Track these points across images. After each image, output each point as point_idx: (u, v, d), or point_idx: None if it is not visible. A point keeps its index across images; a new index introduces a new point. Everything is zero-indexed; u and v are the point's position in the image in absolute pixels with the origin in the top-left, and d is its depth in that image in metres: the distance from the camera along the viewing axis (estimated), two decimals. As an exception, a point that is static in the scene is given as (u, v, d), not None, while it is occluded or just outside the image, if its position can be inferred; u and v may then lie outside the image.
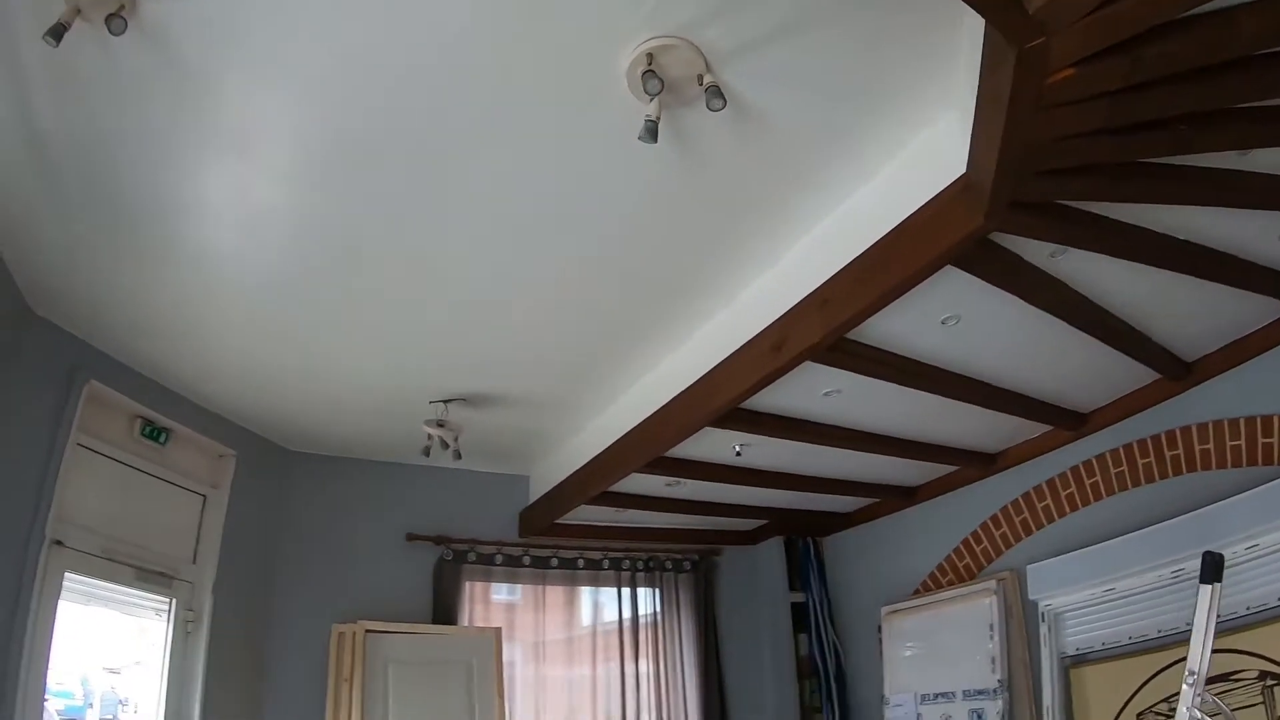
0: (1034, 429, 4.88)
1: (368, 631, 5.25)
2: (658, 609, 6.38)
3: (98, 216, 3.29)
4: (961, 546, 5.42)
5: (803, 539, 6.61)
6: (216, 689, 4.55)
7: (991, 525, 5.24)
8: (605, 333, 4.41)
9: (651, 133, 2.62)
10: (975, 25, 2.46)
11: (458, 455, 5.17)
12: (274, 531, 5.42)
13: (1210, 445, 4.15)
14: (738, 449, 4.83)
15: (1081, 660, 4.43)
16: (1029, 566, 4.78)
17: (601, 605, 6.33)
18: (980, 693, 4.81)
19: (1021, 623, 4.84)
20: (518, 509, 6.33)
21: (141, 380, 4.48)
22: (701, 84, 2.62)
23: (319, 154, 2.99)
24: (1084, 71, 2.20)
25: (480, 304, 4.03)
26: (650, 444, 4.74)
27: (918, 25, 2.59)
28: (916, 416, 4.58)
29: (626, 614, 6.23)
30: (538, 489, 6.21)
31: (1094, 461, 4.71)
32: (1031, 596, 4.74)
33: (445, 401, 4.99)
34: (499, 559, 6.00)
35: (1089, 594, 4.43)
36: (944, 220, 2.93)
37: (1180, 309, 3.72)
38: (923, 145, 3.07)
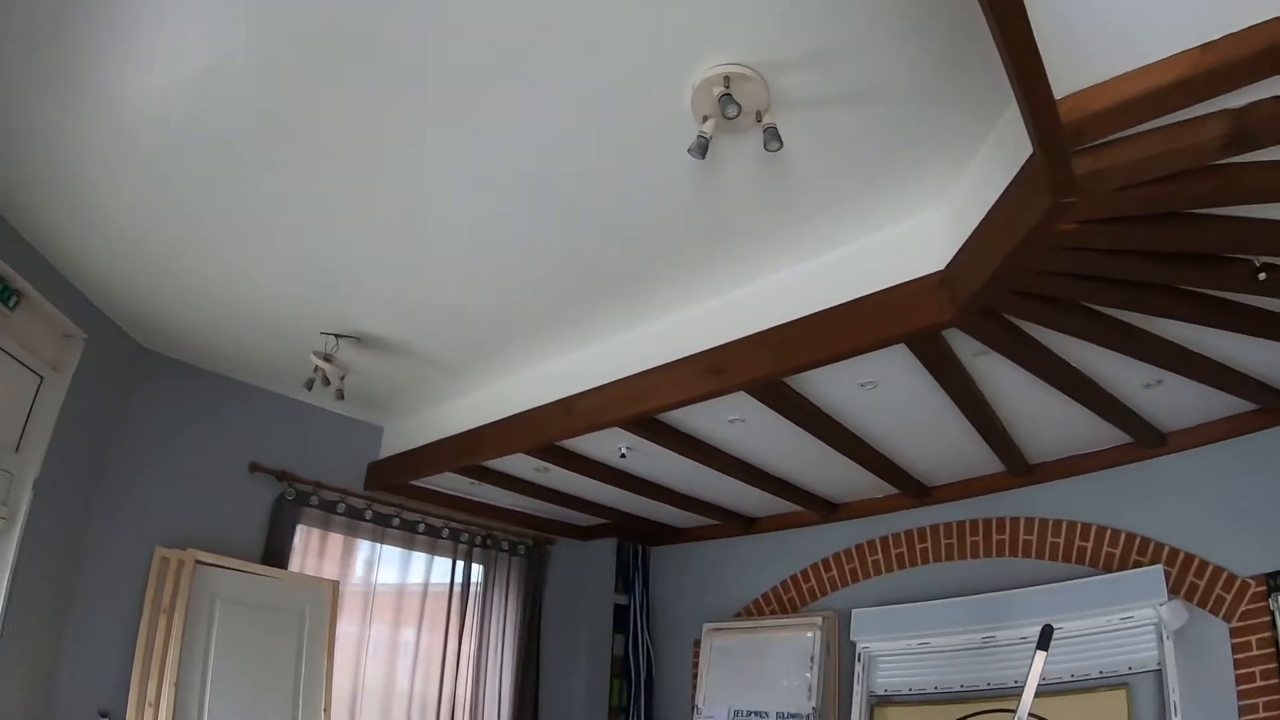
0: (884, 489, 5.51)
1: (198, 562, 4.84)
2: (488, 588, 6.51)
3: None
4: (790, 581, 6.00)
5: (634, 543, 7.03)
6: (19, 601, 3.99)
7: (822, 567, 5.86)
8: (530, 311, 4.41)
9: (703, 150, 2.80)
10: (992, 148, 3.06)
11: (340, 395, 5.00)
12: (111, 433, 4.85)
13: (1034, 537, 4.91)
14: (624, 452, 5.11)
15: (888, 701, 5.09)
16: (854, 611, 5.41)
17: (434, 573, 6.31)
18: (793, 716, 5.38)
19: (838, 659, 5.48)
20: (366, 459, 6.13)
21: (3, 226, 3.86)
22: (759, 120, 2.87)
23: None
24: (1086, 229, 2.77)
25: (416, 240, 3.80)
26: (546, 430, 4.89)
27: (950, 128, 3.05)
28: (793, 457, 5.10)
29: (458, 587, 6.31)
30: (392, 444, 6.11)
31: (928, 529, 5.40)
32: (852, 637, 5.38)
33: (338, 336, 4.71)
34: (341, 508, 5.78)
35: (904, 645, 5.09)
36: (915, 305, 3.43)
37: (1048, 419, 4.43)
38: (910, 229, 3.54)
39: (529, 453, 5.12)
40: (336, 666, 5.40)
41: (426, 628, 6.07)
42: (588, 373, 4.72)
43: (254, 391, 5.64)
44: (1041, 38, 2.10)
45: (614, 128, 3.04)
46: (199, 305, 4.56)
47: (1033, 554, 4.93)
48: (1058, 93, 2.29)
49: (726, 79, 2.74)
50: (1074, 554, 4.77)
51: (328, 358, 4.78)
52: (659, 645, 6.70)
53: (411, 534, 6.14)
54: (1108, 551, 4.70)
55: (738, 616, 6.22)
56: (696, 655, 6.25)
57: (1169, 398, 4.19)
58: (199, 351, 5.21)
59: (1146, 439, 4.58)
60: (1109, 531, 4.73)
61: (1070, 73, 2.26)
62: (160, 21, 2.67)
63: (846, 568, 5.76)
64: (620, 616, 6.83)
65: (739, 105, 2.74)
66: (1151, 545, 4.57)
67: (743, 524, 6.43)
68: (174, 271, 4.22)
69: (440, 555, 6.33)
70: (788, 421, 4.44)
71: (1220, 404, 4.28)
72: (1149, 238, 2.83)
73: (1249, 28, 2.17)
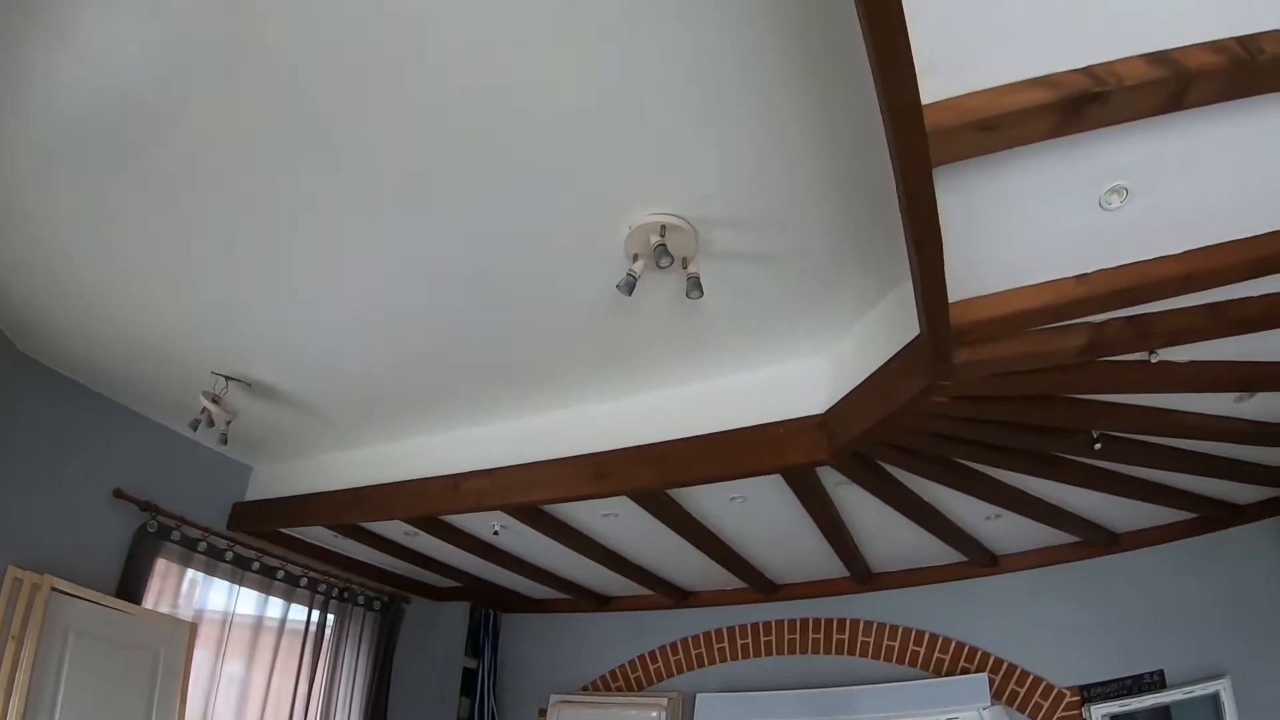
0: (734, 583, 5.78)
1: (54, 590, 4.43)
2: (341, 639, 6.40)
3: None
4: (638, 660, 6.20)
5: (487, 608, 7.08)
6: None
7: (670, 650, 6.08)
8: (429, 385, 4.44)
9: (630, 288, 2.99)
10: (879, 316, 3.47)
11: (224, 440, 4.80)
12: (-26, 435, 4.44)
13: (871, 639, 5.29)
14: (497, 530, 5.20)
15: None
16: (699, 695, 5.64)
17: (291, 614, 6.11)
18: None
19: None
20: (232, 498, 5.85)
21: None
22: (684, 267, 3.13)
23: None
24: (954, 402, 3.15)
25: (325, 301, 3.78)
26: (432, 503, 4.90)
27: (846, 293, 3.43)
28: (655, 549, 5.32)
29: (312, 635, 6.18)
30: (261, 487, 5.87)
31: (773, 623, 5.70)
32: (696, 720, 5.60)
33: (229, 378, 4.55)
34: (202, 546, 5.45)
35: (745, 730, 5.35)
36: (795, 443, 3.72)
37: (894, 539, 4.80)
38: (797, 372, 3.86)
39: (408, 520, 5.12)
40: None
41: (279, 671, 5.91)
42: (478, 454, 4.77)
43: (128, 415, 5.25)
44: (950, 261, 2.40)
45: (549, 242, 3.22)
46: (89, 321, 4.25)
47: (870, 655, 5.29)
48: (952, 297, 2.62)
49: (663, 228, 2.99)
50: (907, 657, 5.16)
51: (215, 399, 4.58)
52: (505, 712, 6.77)
53: (270, 579, 5.96)
54: (938, 657, 5.11)
55: (584, 690, 6.37)
56: (543, 725, 6.35)
57: (1005, 528, 4.64)
58: (77, 364, 4.78)
59: (980, 560, 5.03)
60: (940, 639, 5.14)
61: (964, 283, 2.61)
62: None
63: (694, 653, 5.99)
64: (468, 680, 6.84)
65: (672, 257, 2.96)
66: (979, 654, 5.00)
67: (596, 601, 6.59)
68: (69, 283, 3.92)
69: (297, 603, 6.16)
70: (658, 521, 4.63)
71: (1048, 536, 4.77)
72: (1006, 412, 3.27)
73: (1117, 266, 2.55)
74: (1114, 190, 2.22)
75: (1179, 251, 2.49)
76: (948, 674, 5.03)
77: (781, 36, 2.32)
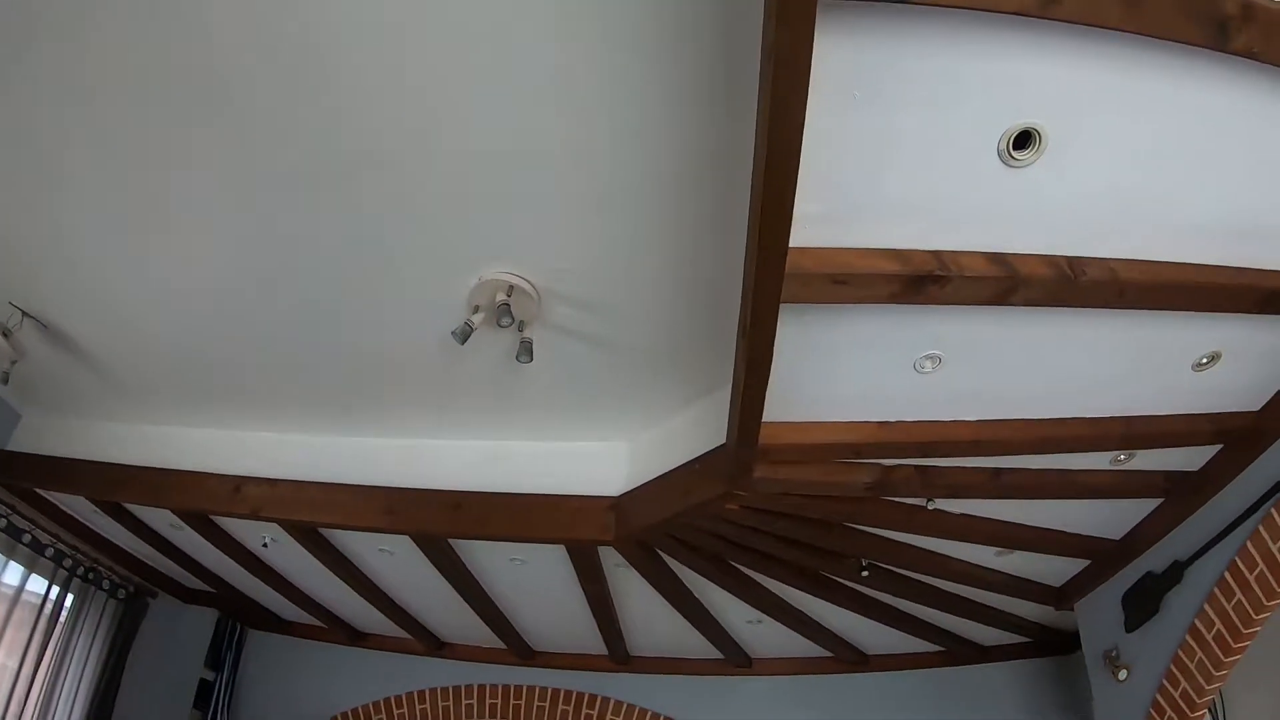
0: (493, 641, 5.70)
1: None
2: (76, 625, 5.88)
3: None
4: (384, 703, 5.97)
5: (235, 620, 6.67)
6: None
7: (419, 697, 5.92)
8: (233, 378, 4.18)
9: (465, 338, 2.97)
10: (687, 419, 3.59)
11: (5, 379, 4.24)
12: None
13: (619, 719, 5.31)
14: (267, 543, 4.89)
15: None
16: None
17: (28, 591, 5.57)
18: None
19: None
20: None
21: None
22: (520, 330, 3.13)
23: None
24: (744, 511, 3.32)
25: (152, 260, 3.44)
26: (208, 501, 4.56)
27: (661, 392, 3.54)
28: (423, 594, 5.20)
29: (46, 615, 5.66)
30: (26, 438, 5.17)
31: (524, 688, 5.71)
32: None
33: (26, 314, 4.03)
34: None
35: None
36: (586, 519, 3.78)
37: (659, 626, 4.91)
38: (599, 452, 3.91)
39: (178, 512, 4.75)
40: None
41: (4, 645, 5.34)
42: (267, 460, 4.50)
43: None
44: (772, 386, 2.54)
45: (397, 271, 3.15)
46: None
47: (616, 730, 5.36)
48: (765, 418, 2.73)
49: (511, 288, 2.98)
50: (653, 736, 5.26)
51: (5, 333, 4.03)
52: None
53: (15, 541, 5.38)
54: (683, 748, 5.23)
55: None
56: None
57: (765, 633, 4.83)
58: None
59: (736, 660, 5.20)
60: (686, 730, 5.26)
61: (779, 407, 2.74)
62: None
63: (441, 704, 5.86)
64: (204, 692, 6.35)
65: (513, 319, 2.98)
66: (722, 751, 5.16)
67: (350, 634, 6.34)
68: None
69: (38, 574, 5.59)
70: (433, 567, 4.55)
71: (803, 646, 4.97)
72: (789, 529, 3.50)
73: (916, 421, 2.75)
74: (930, 357, 2.43)
75: (974, 419, 2.73)
76: (689, 765, 5.15)
77: (677, 144, 2.40)
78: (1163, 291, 2.22)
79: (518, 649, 5.62)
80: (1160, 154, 1.97)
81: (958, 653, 4.84)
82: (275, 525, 4.47)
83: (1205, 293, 2.25)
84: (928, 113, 1.83)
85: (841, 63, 1.70)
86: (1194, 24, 1.65)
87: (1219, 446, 3.08)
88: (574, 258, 2.91)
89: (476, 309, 3.08)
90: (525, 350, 3.11)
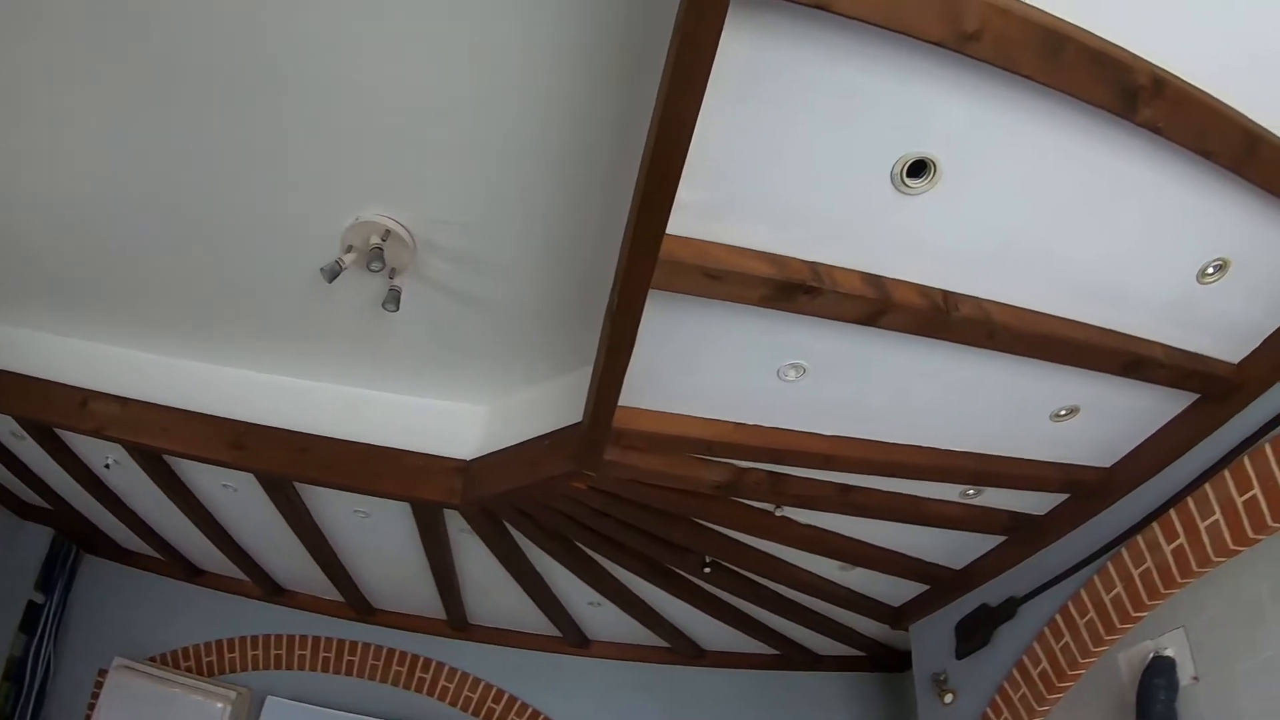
0: (331, 593, 5.50)
1: None
2: None
3: None
4: (215, 644, 5.67)
5: (71, 542, 6.30)
6: None
7: (251, 643, 5.68)
8: (96, 277, 3.75)
9: (332, 276, 2.80)
10: (547, 390, 3.51)
11: None
12: None
13: (453, 685, 5.38)
14: (109, 464, 4.63)
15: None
16: (270, 698, 5.37)
17: None
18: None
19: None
20: None
21: None
22: (391, 277, 2.97)
23: None
24: (591, 492, 3.27)
25: (40, 134, 3.02)
26: (52, 412, 4.22)
27: (526, 359, 3.43)
28: (262, 538, 5.01)
29: None
30: None
31: (360, 645, 5.57)
32: (262, 720, 5.33)
33: None
34: None
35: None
36: (433, 480, 3.65)
37: (498, 597, 4.85)
38: (454, 413, 3.79)
39: (20, 419, 4.40)
40: None
41: None
42: (117, 377, 4.17)
43: None
44: (632, 371, 2.47)
45: (280, 198, 2.93)
46: None
47: (449, 700, 5.30)
48: (621, 401, 2.67)
49: (387, 232, 2.85)
50: (484, 712, 5.23)
51: None
52: (62, 661, 5.98)
53: None
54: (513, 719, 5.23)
55: (152, 660, 5.79)
56: (99, 686, 5.67)
57: (604, 616, 4.79)
58: None
59: (573, 639, 5.17)
60: (518, 703, 5.25)
61: (636, 393, 2.69)
62: None
63: (273, 652, 5.67)
64: (31, 615, 5.94)
65: (384, 264, 2.84)
66: (553, 726, 5.17)
67: (187, 570, 6.05)
68: None
69: None
70: (275, 509, 4.38)
71: (641, 634, 4.97)
72: (636, 516, 3.45)
73: (773, 427, 2.72)
74: (794, 366, 2.40)
75: (829, 434, 2.71)
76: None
77: (580, 111, 2.29)
78: (1033, 340, 2.25)
79: (356, 604, 5.47)
80: (1054, 206, 1.97)
81: (793, 658, 4.91)
82: (119, 447, 4.23)
83: (1073, 348, 2.29)
84: (829, 123, 1.79)
85: (750, 54, 1.65)
86: (1105, 88, 1.65)
87: (1066, 496, 3.16)
88: (457, 211, 2.77)
89: (350, 249, 2.91)
90: (393, 299, 2.97)
